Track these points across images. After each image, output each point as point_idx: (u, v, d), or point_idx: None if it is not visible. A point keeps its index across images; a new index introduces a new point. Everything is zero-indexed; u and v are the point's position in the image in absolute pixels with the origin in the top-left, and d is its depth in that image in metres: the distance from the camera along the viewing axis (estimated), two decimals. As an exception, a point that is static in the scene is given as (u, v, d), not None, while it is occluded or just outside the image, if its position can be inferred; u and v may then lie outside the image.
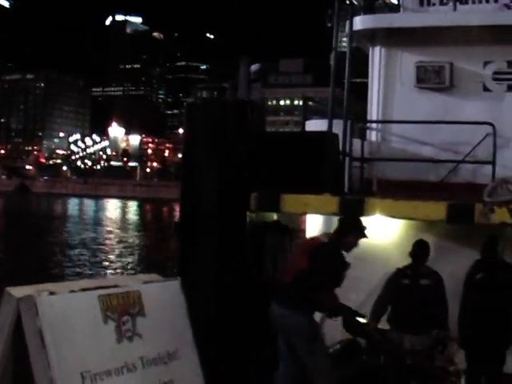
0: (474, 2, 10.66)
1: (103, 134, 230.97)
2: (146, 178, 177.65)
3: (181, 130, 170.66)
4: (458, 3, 10.56)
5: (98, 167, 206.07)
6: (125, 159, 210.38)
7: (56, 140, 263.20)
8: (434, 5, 10.87)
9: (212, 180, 9.21)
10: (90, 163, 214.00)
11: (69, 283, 7.55)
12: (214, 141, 9.29)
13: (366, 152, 10.53)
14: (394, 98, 10.92)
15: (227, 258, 9.06)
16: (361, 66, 11.42)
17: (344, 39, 11.60)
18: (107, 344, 6.47)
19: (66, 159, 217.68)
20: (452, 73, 10.49)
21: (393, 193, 9.62)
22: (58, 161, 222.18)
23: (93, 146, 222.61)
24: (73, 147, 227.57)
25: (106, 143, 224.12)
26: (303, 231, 10.87)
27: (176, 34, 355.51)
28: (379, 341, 8.70)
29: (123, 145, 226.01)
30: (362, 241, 8.41)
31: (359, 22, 10.80)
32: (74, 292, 6.42)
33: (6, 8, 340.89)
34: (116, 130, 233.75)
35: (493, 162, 9.38)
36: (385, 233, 10.01)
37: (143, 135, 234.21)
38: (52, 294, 6.18)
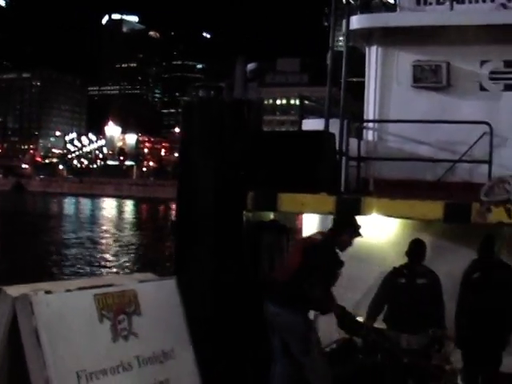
0: (470, 2, 10.66)
1: (99, 132, 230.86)
2: (143, 177, 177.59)
3: (177, 129, 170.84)
4: (454, 3, 10.55)
5: (95, 166, 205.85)
6: (121, 158, 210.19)
7: (52, 139, 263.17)
8: (430, 4, 10.86)
9: (208, 179, 9.20)
10: (86, 162, 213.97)
11: (65, 282, 7.56)
12: (211, 140, 9.27)
13: (362, 151, 10.52)
14: (391, 97, 10.91)
15: (224, 257, 9.05)
16: (357, 65, 11.40)
17: (341, 38, 11.59)
18: (103, 343, 6.47)
19: (62, 158, 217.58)
20: (449, 72, 10.48)
21: (389, 192, 9.61)
22: (54, 160, 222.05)
23: (89, 144, 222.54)
24: (69, 146, 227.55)
25: (102, 142, 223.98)
26: (300, 230, 10.87)
27: (172, 33, 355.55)
28: (374, 339, 8.71)
29: (119, 144, 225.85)
30: (359, 240, 8.43)
31: (356, 22, 10.78)
32: (70, 291, 6.41)
33: (2, 7, 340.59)
34: (112, 129, 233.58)
35: (489, 162, 9.37)
36: (381, 232, 10.02)
37: (139, 134, 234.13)
38: (48, 293, 6.17)
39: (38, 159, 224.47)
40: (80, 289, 6.51)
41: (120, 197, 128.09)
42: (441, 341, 8.71)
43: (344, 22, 10.65)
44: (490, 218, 8.41)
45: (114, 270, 35.82)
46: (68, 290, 6.40)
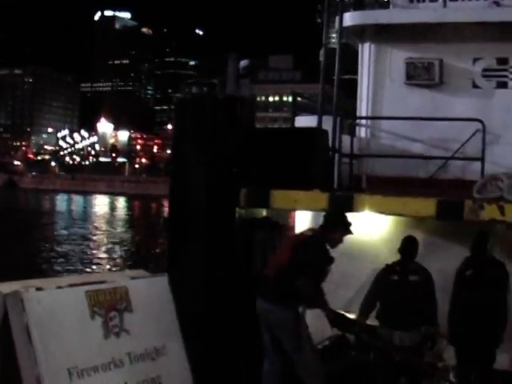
0: (463, -1, 10.67)
1: (92, 129, 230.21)
2: (135, 173, 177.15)
3: (170, 126, 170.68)
4: (447, 0, 10.55)
5: (87, 163, 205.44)
6: (113, 155, 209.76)
7: (44, 136, 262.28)
8: (423, 1, 10.86)
9: (201, 176, 9.18)
10: (78, 159, 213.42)
11: (56, 279, 7.55)
12: (204, 136, 9.26)
13: (355, 148, 10.51)
14: (384, 94, 10.91)
15: (216, 254, 9.04)
16: (350, 62, 11.40)
17: (334, 35, 11.58)
18: (94, 340, 6.45)
19: (55, 155, 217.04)
20: (441, 69, 10.48)
21: (382, 189, 9.61)
22: (47, 156, 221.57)
23: (81, 141, 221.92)
24: (61, 143, 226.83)
25: (94, 139, 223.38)
26: (292, 227, 10.86)
27: (165, 30, 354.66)
28: (365, 340, 8.73)
29: (112, 140, 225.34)
30: (352, 237, 8.43)
31: (349, 19, 10.77)
32: (61, 288, 6.39)
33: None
34: (104, 126, 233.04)
35: (482, 159, 9.38)
36: (374, 229, 10.02)
37: (132, 131, 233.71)
38: (39, 289, 6.15)
39: (30, 156, 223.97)
40: (71, 285, 6.50)
41: (112, 194, 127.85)
42: (433, 338, 8.71)
43: (337, 18, 10.64)
44: (482, 215, 8.43)
45: (106, 266, 35.77)
46: (59, 287, 6.39)
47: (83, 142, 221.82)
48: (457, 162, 10.10)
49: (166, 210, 10.55)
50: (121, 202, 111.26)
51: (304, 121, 10.98)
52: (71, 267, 34.70)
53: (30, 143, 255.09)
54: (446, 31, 10.38)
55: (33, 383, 5.89)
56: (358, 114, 11.14)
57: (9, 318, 6.00)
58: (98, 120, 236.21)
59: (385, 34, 10.81)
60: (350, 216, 8.51)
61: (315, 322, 8.50)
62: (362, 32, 11.01)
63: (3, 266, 29.37)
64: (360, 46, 11.16)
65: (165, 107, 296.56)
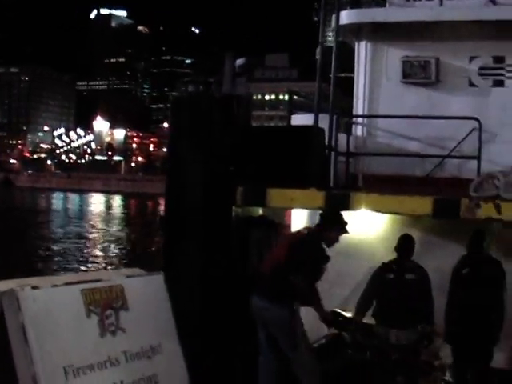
0: (460, -2, 10.66)
1: (88, 128, 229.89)
2: (131, 172, 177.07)
3: (166, 125, 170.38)
4: (444, -2, 10.55)
5: (83, 161, 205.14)
6: (109, 153, 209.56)
7: (40, 134, 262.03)
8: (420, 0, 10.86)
9: (197, 174, 9.17)
10: (74, 157, 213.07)
11: (52, 277, 7.51)
12: (200, 135, 9.24)
13: (351, 147, 10.51)
14: (380, 92, 10.91)
15: (212, 252, 9.03)
16: (347, 60, 11.39)
17: (330, 34, 11.56)
18: (90, 338, 6.43)
19: (51, 153, 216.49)
20: (438, 68, 10.49)
21: (378, 187, 9.61)
22: (43, 155, 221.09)
23: (77, 140, 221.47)
24: (57, 141, 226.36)
25: (90, 137, 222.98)
26: (288, 226, 10.86)
27: (161, 28, 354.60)
28: (360, 341, 8.76)
29: (108, 139, 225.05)
30: (348, 235, 8.44)
31: (345, 17, 10.77)
32: (57, 286, 6.37)
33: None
34: (101, 124, 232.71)
35: (478, 157, 9.39)
36: (370, 227, 10.02)
37: (128, 129, 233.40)
38: (35, 288, 6.13)
39: (27, 154, 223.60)
40: (67, 284, 6.48)
41: (108, 192, 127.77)
42: (430, 336, 8.72)
43: (334, 17, 10.63)
44: (478, 213, 8.43)
45: (103, 265, 35.72)
46: (55, 286, 6.36)
47: (79, 140, 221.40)
48: (453, 161, 10.10)
49: (162, 208, 10.54)
50: (117, 201, 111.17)
51: (300, 119, 10.97)
52: (67, 265, 34.63)
53: (26, 141, 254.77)
54: (442, 29, 10.39)
55: (29, 382, 5.87)
56: (354, 113, 11.13)
57: (4, 316, 5.97)
58: (94, 118, 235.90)
59: (381, 33, 10.81)
60: (346, 214, 8.51)
61: (311, 321, 8.50)
62: (358, 30, 11.01)
63: (-1, 265, 29.36)
64: (356, 44, 11.16)
65: (161, 105, 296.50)
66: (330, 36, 11.98)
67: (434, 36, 10.50)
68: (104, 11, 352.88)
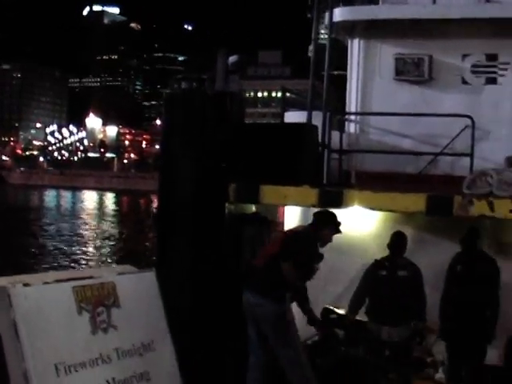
0: (453, -5, 10.66)
1: (80, 124, 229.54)
2: (124, 169, 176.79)
3: (158, 122, 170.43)
4: (437, -4, 10.55)
5: (75, 158, 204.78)
6: (102, 150, 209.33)
7: (33, 131, 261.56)
8: (413, -3, 10.85)
9: (190, 171, 9.15)
10: (66, 154, 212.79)
11: (43, 275, 7.50)
12: (193, 131, 9.22)
13: (344, 144, 10.50)
14: (373, 90, 10.90)
15: (202, 247, 9.01)
16: (340, 58, 11.37)
17: (323, 31, 11.55)
18: (82, 335, 6.42)
19: (43, 150, 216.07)
20: (431, 65, 10.48)
21: (371, 185, 9.60)
22: (35, 152, 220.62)
23: (70, 136, 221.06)
24: (50, 138, 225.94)
25: (83, 134, 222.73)
26: (281, 223, 10.85)
27: (154, 25, 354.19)
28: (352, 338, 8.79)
29: (100, 136, 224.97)
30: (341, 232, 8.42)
31: (338, 14, 10.75)
32: (48, 283, 6.35)
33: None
34: (93, 121, 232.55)
35: (471, 155, 9.39)
36: (363, 224, 10.03)
37: (120, 126, 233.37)
38: (26, 285, 6.12)
39: (19, 151, 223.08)
40: (58, 281, 6.46)
41: (101, 189, 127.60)
42: (422, 333, 8.73)
43: (327, 14, 10.61)
44: (471, 210, 8.43)
45: (95, 262, 35.67)
46: (46, 283, 6.34)
47: (72, 137, 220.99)
48: (446, 158, 10.10)
49: (155, 205, 10.50)
50: (109, 198, 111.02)
51: (293, 116, 10.94)
52: (59, 263, 34.58)
53: (19, 138, 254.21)
54: (435, 27, 10.38)
55: (20, 379, 5.86)
56: (347, 110, 11.12)
57: (-5, 313, 5.95)
58: (86, 115, 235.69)
59: (374, 30, 10.79)
60: (339, 212, 8.50)
61: (303, 317, 8.49)
62: (351, 28, 10.99)
63: (-9, 262, 29.29)
64: (349, 41, 11.14)
65: (153, 102, 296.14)
66: (322, 33, 11.97)
67: (426, 33, 10.49)
68: (96, 8, 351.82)
